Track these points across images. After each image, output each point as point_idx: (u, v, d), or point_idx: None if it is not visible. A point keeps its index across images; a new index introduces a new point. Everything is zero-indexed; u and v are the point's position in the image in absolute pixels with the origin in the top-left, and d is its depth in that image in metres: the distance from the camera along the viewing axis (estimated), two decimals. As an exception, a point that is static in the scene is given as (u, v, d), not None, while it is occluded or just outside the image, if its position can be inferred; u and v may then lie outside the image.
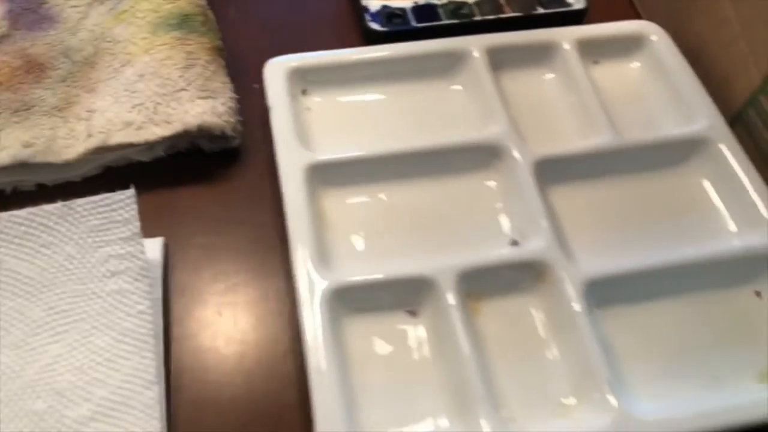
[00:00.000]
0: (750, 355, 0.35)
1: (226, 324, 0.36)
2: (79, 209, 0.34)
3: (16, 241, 0.33)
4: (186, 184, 0.40)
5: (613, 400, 0.31)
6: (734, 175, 0.39)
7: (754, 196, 0.38)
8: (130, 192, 0.34)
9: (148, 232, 0.37)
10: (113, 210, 0.34)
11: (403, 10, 0.48)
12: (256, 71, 0.42)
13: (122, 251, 0.33)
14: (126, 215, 0.34)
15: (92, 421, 0.31)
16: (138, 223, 0.34)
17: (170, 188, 0.40)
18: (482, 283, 0.35)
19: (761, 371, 0.34)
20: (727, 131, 0.40)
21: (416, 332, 0.34)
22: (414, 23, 0.47)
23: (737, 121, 0.42)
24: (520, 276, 0.36)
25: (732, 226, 0.39)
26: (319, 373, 0.31)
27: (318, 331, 0.32)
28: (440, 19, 0.47)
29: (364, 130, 0.41)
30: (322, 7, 0.50)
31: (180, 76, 0.40)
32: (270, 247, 0.38)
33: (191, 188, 0.40)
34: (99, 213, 0.34)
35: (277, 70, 0.41)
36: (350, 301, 0.34)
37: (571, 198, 0.39)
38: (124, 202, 0.34)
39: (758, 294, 0.37)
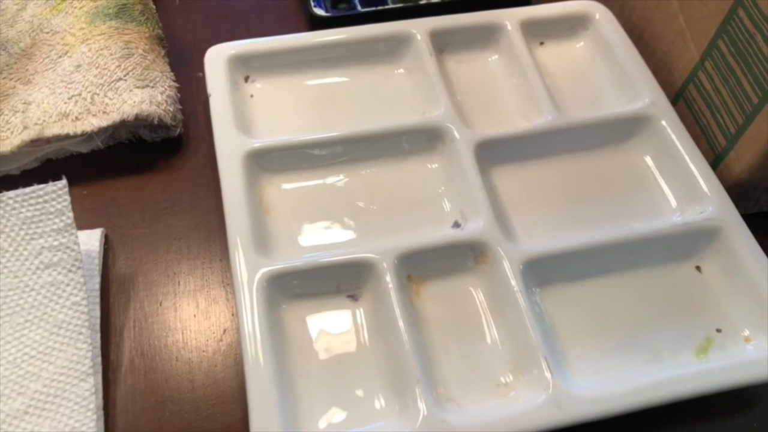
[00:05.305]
0: (689, 330, 0.35)
1: (166, 314, 0.35)
2: (10, 201, 0.33)
3: (-53, 235, 0.33)
4: (128, 174, 0.40)
5: (549, 376, 0.31)
6: (676, 151, 0.39)
7: (695, 172, 0.38)
8: (62, 183, 0.33)
9: (88, 223, 0.37)
10: (45, 201, 0.33)
11: (349, -6, 0.47)
12: (201, 60, 0.42)
13: (55, 243, 0.33)
14: (59, 206, 0.33)
15: (26, 415, 0.31)
16: (71, 214, 0.33)
17: (112, 179, 0.40)
18: (423, 266, 0.35)
19: (699, 345, 0.34)
20: (669, 108, 0.40)
21: (357, 316, 0.34)
22: (359, 8, 0.47)
23: (679, 97, 0.42)
24: (460, 257, 0.36)
25: (673, 202, 0.39)
26: (254, 361, 0.31)
27: (254, 318, 0.32)
28: (386, 3, 0.47)
29: (307, 116, 0.41)
30: (268, -7, 0.50)
31: (117, 66, 0.39)
32: (212, 235, 0.38)
33: (133, 179, 0.40)
34: (31, 205, 0.33)
35: (217, 58, 0.41)
36: (290, 287, 0.34)
37: (514, 178, 0.39)
38: (56, 193, 0.33)
39: (698, 269, 0.37)
